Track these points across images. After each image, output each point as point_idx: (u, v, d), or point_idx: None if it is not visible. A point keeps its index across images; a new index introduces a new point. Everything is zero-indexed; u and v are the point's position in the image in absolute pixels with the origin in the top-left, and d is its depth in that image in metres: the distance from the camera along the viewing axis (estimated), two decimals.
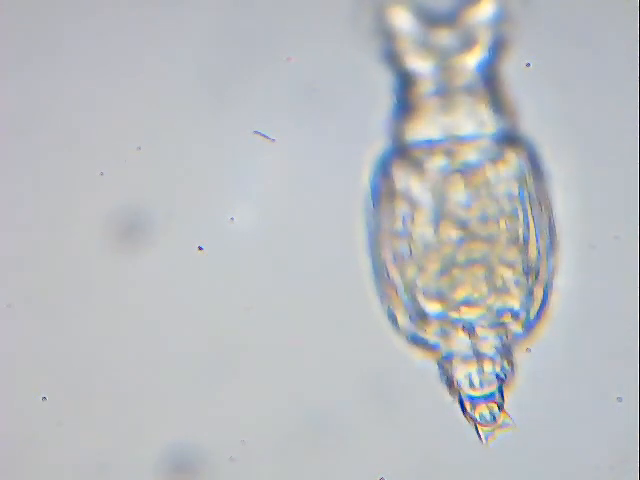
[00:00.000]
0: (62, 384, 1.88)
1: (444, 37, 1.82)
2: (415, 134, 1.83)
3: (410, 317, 1.84)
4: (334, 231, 1.87)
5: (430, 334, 1.84)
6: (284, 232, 1.88)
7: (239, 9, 1.89)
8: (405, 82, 1.84)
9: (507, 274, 1.81)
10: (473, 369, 1.83)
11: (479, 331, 1.82)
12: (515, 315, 1.82)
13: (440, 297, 1.82)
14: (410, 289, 1.83)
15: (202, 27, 1.89)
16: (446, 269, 1.82)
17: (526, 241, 1.82)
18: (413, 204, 1.83)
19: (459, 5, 1.83)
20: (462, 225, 1.81)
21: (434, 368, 1.85)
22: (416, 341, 1.85)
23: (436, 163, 1.82)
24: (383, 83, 1.86)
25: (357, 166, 1.86)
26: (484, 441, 1.85)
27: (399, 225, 1.83)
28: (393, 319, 1.85)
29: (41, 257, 1.89)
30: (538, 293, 1.83)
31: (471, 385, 1.83)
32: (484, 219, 1.81)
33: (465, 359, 1.83)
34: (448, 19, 1.82)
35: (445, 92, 1.82)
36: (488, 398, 1.83)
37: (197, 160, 1.89)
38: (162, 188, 1.89)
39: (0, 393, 1.88)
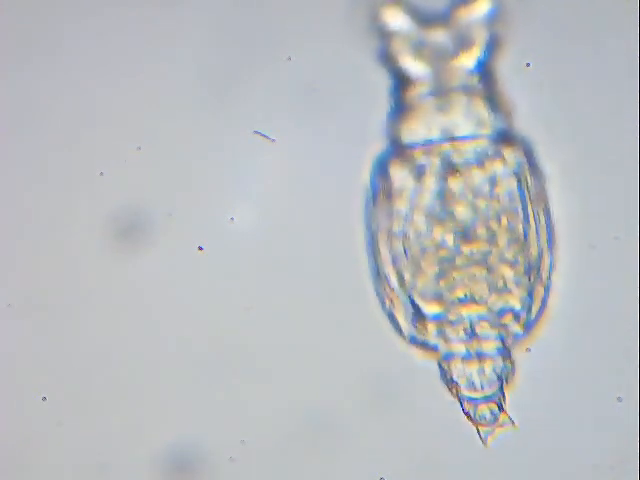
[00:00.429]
0: (62, 384, 1.88)
1: (439, 37, 1.82)
2: (412, 134, 1.83)
3: (409, 318, 1.84)
4: (334, 231, 1.87)
5: (430, 335, 1.84)
6: (284, 232, 1.88)
7: (239, 9, 1.89)
8: (401, 83, 1.84)
9: (508, 273, 1.81)
10: (473, 370, 1.83)
11: (479, 330, 1.82)
12: (516, 315, 1.82)
13: (439, 298, 1.82)
14: (408, 290, 1.83)
15: (202, 27, 1.89)
16: (445, 270, 1.82)
17: (526, 240, 1.82)
18: (411, 204, 1.83)
19: (454, 4, 1.83)
20: (461, 225, 1.81)
21: (434, 368, 1.85)
22: (416, 342, 1.85)
23: (434, 163, 1.82)
24: (383, 83, 1.86)
25: (357, 166, 1.86)
26: (484, 441, 1.85)
27: (397, 225, 1.83)
28: (393, 320, 1.85)
29: (41, 257, 1.89)
30: (538, 293, 1.83)
31: (472, 386, 1.83)
32: (483, 218, 1.81)
33: (465, 359, 1.83)
34: (443, 18, 1.82)
35: (441, 92, 1.82)
36: (489, 399, 1.83)
37: (197, 160, 1.89)
38: (162, 188, 1.89)
39: (0, 393, 1.88)
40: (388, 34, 1.83)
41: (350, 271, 1.86)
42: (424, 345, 1.85)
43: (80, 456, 1.88)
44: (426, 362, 1.85)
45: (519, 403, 1.84)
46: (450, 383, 1.84)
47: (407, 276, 1.83)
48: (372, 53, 1.85)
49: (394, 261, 1.84)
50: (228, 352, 1.87)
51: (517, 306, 1.82)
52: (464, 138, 1.81)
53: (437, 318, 1.83)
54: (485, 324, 1.82)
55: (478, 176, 1.82)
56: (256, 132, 1.88)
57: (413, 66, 1.83)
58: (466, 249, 1.81)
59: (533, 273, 1.82)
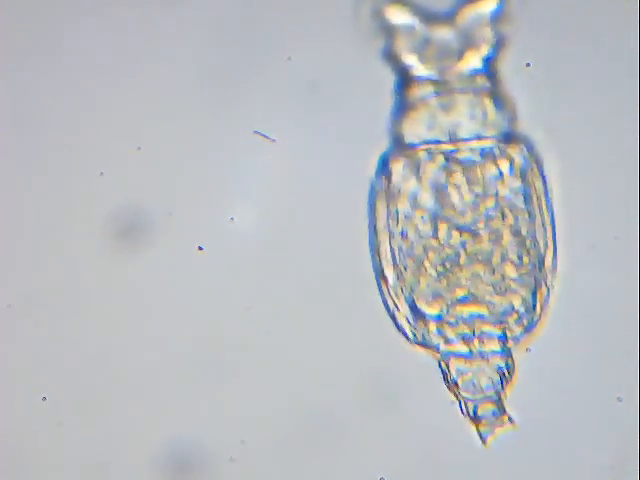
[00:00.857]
0: (62, 384, 1.88)
1: (445, 35, 1.82)
2: (416, 134, 1.83)
3: (410, 318, 1.84)
4: (334, 231, 1.87)
5: (431, 335, 1.84)
6: (284, 232, 1.88)
7: (239, 9, 1.89)
8: (406, 81, 1.84)
9: (511, 273, 1.81)
10: (474, 370, 1.83)
11: (480, 329, 1.82)
12: (520, 315, 1.82)
13: (439, 297, 1.82)
14: (410, 290, 1.83)
15: (202, 27, 1.89)
16: (447, 268, 1.82)
17: (530, 240, 1.82)
18: (414, 204, 1.83)
19: (459, 3, 1.83)
20: (464, 223, 1.81)
21: (434, 368, 1.85)
22: (418, 342, 1.85)
23: (437, 163, 1.82)
24: (383, 83, 1.86)
25: (357, 166, 1.86)
26: (484, 441, 1.85)
27: (399, 225, 1.83)
28: (393, 319, 1.85)
29: (41, 257, 1.89)
30: (542, 293, 1.83)
31: (472, 386, 1.83)
32: (487, 217, 1.81)
33: (465, 359, 1.83)
34: (448, 17, 1.82)
35: (446, 92, 1.82)
36: (489, 399, 1.83)
37: (197, 160, 1.89)
38: (162, 188, 1.89)
39: (0, 393, 1.88)
40: (393, 32, 1.83)
41: (350, 271, 1.86)
42: (425, 345, 1.85)
43: (80, 456, 1.88)
44: (426, 362, 1.85)
45: (519, 403, 1.84)
46: (450, 383, 1.84)
47: (408, 276, 1.83)
48: (373, 52, 1.85)
49: (395, 261, 1.84)
50: (228, 352, 1.87)
51: (519, 306, 1.82)
52: (468, 139, 1.81)
53: (438, 318, 1.83)
54: (486, 324, 1.82)
55: (482, 175, 1.82)
56: (256, 132, 1.88)
57: (417, 65, 1.83)
58: (469, 248, 1.81)
59: (537, 272, 1.82)
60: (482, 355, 1.83)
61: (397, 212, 1.83)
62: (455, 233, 1.81)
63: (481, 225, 1.81)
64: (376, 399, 1.87)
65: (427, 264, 1.82)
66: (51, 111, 1.90)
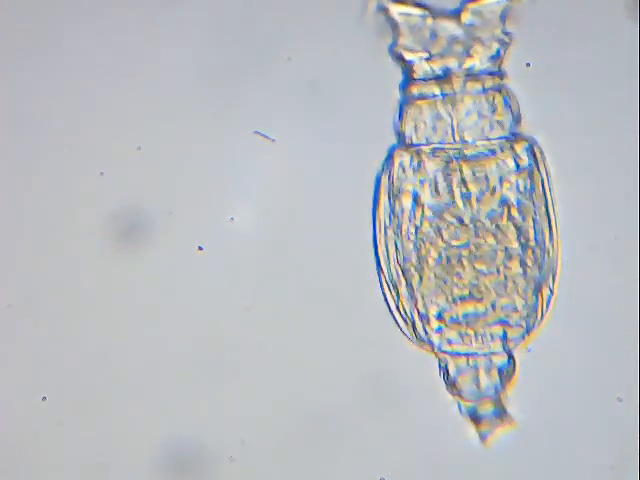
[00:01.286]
0: (62, 384, 1.88)
1: (451, 33, 1.82)
2: (421, 133, 1.83)
3: (411, 318, 1.84)
4: (334, 231, 1.87)
5: (432, 334, 1.84)
6: (284, 232, 1.88)
7: (239, 9, 1.89)
8: (412, 80, 1.84)
9: (516, 271, 1.81)
10: (474, 369, 1.83)
11: (481, 329, 1.82)
12: (522, 316, 1.82)
13: (442, 295, 1.82)
14: (413, 288, 1.83)
15: (202, 27, 1.89)
16: (450, 266, 1.82)
17: (533, 239, 1.82)
18: (418, 202, 1.83)
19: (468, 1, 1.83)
20: (469, 221, 1.81)
21: (435, 368, 1.85)
22: (420, 344, 1.85)
23: (441, 161, 1.82)
24: (383, 83, 1.86)
25: (357, 166, 1.86)
26: (484, 441, 1.85)
27: (402, 223, 1.83)
28: (394, 319, 1.85)
29: (41, 257, 1.89)
30: (543, 291, 1.83)
31: (472, 385, 1.83)
32: (491, 215, 1.81)
33: (466, 359, 1.83)
34: (455, 15, 1.82)
35: (453, 91, 1.82)
36: (489, 398, 1.83)
37: (197, 160, 1.89)
38: (162, 188, 1.89)
39: (0, 393, 1.88)
40: (400, 29, 1.83)
41: (350, 271, 1.86)
42: (425, 344, 1.85)
43: (80, 456, 1.88)
44: (427, 362, 1.85)
45: (519, 403, 1.84)
46: (451, 383, 1.84)
47: (411, 274, 1.83)
48: (373, 52, 1.86)
49: (398, 259, 1.84)
50: (228, 352, 1.87)
51: (522, 305, 1.82)
52: (474, 138, 1.81)
53: (439, 316, 1.83)
54: (487, 322, 1.82)
55: (486, 174, 1.82)
56: (256, 132, 1.88)
57: (424, 63, 1.82)
58: (473, 244, 1.81)
59: (541, 272, 1.82)
60: (483, 354, 1.83)
61: (401, 210, 1.83)
62: (458, 231, 1.81)
63: (485, 223, 1.81)
64: (376, 399, 1.87)
65: (430, 262, 1.82)
66: (51, 111, 1.90)
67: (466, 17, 1.82)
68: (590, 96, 1.86)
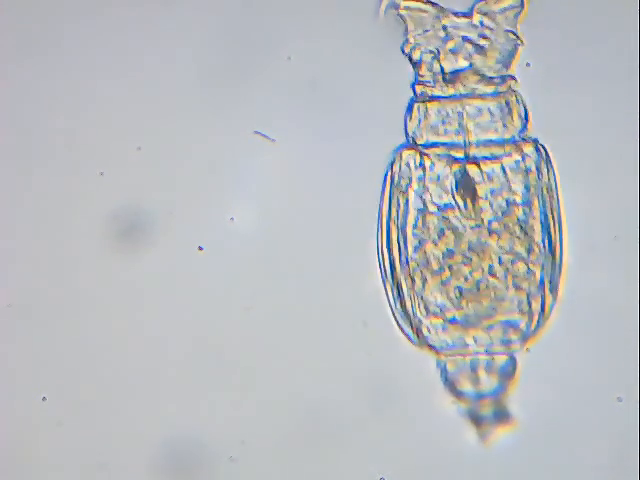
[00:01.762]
0: (62, 384, 1.88)
1: (463, 34, 1.82)
2: (430, 132, 1.83)
3: (413, 318, 1.84)
4: (334, 231, 1.87)
5: (433, 335, 1.84)
6: (284, 232, 1.88)
7: (239, 9, 1.89)
8: (422, 79, 1.84)
9: (521, 268, 1.82)
10: (474, 368, 1.83)
11: (482, 328, 1.82)
12: (524, 311, 1.82)
13: (446, 292, 1.82)
14: (415, 287, 1.83)
15: (202, 27, 1.89)
16: (455, 264, 1.82)
17: (539, 241, 1.82)
18: (424, 202, 1.83)
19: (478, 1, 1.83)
20: (476, 219, 1.81)
21: (434, 368, 1.85)
22: (420, 343, 1.85)
23: (448, 161, 1.82)
24: (383, 83, 1.86)
25: (357, 166, 1.86)
26: (484, 441, 1.85)
27: (407, 222, 1.83)
28: (395, 319, 1.85)
29: (41, 257, 1.89)
30: (547, 296, 1.83)
31: (473, 385, 1.83)
32: (497, 214, 1.81)
33: (466, 358, 1.83)
34: (468, 16, 1.82)
35: (460, 93, 1.81)
36: (489, 397, 1.84)
37: (197, 160, 1.89)
38: (162, 188, 1.89)
39: (0, 393, 1.88)
40: (411, 27, 1.83)
41: (350, 270, 1.86)
42: (425, 345, 1.85)
43: (80, 456, 1.88)
44: (427, 361, 1.85)
45: (519, 403, 1.84)
46: (451, 382, 1.84)
47: (414, 272, 1.83)
48: (374, 52, 1.86)
49: (401, 258, 1.84)
50: (228, 352, 1.87)
51: (524, 306, 1.82)
52: (482, 139, 1.81)
53: (440, 315, 1.83)
54: (489, 323, 1.82)
55: (495, 175, 1.82)
56: (256, 132, 1.88)
57: (435, 63, 1.82)
58: (478, 242, 1.81)
59: (544, 265, 1.83)
60: (484, 353, 1.83)
61: (407, 209, 1.83)
62: (465, 228, 1.81)
63: (493, 220, 1.81)
64: (376, 399, 1.87)
65: (434, 259, 1.82)
66: (51, 111, 1.90)
67: (477, 18, 1.81)
68: (590, 96, 1.86)
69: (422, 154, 1.83)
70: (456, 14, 1.82)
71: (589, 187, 1.86)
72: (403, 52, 1.84)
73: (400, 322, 1.85)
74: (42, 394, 1.88)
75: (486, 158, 1.82)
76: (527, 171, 1.82)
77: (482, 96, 1.82)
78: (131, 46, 1.89)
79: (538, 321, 1.83)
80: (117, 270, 1.89)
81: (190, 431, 1.87)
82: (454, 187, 1.80)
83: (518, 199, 1.82)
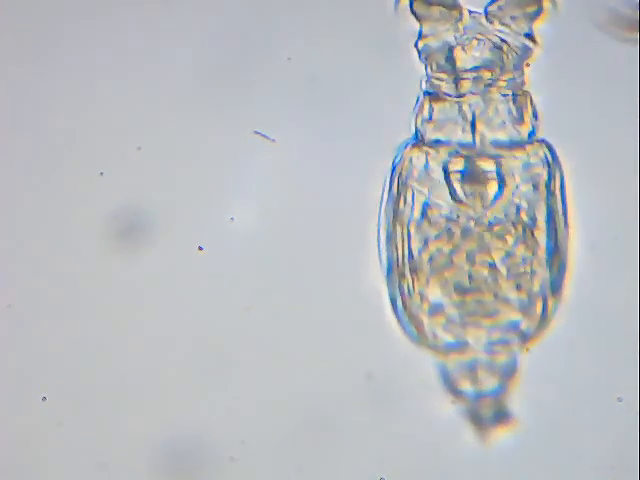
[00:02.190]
0: (62, 384, 1.88)
1: (475, 33, 1.81)
2: (439, 132, 1.83)
3: (414, 317, 1.84)
4: (334, 231, 1.87)
5: (433, 334, 1.84)
6: (284, 232, 1.88)
7: (239, 9, 1.89)
8: (434, 79, 1.84)
9: (523, 268, 1.82)
10: (474, 368, 1.83)
11: (482, 328, 1.82)
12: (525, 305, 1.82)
13: (447, 290, 1.82)
14: (417, 288, 1.84)
15: (202, 27, 1.89)
16: (458, 262, 1.82)
17: (544, 243, 1.83)
18: (429, 199, 1.83)
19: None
20: (480, 219, 1.81)
21: (434, 368, 1.85)
22: (421, 343, 1.85)
23: (458, 160, 1.82)
24: (383, 83, 1.86)
25: (357, 166, 1.86)
26: (484, 441, 1.85)
27: (411, 219, 1.83)
28: (397, 319, 1.85)
29: (41, 257, 1.89)
30: (549, 298, 1.84)
31: (473, 384, 1.83)
32: (501, 218, 1.81)
33: (466, 357, 1.83)
34: (480, 16, 1.82)
35: (471, 92, 1.81)
36: (489, 396, 1.84)
37: (197, 160, 1.89)
38: (162, 188, 1.89)
39: (0, 393, 1.88)
40: (426, 24, 1.82)
41: (350, 270, 1.86)
42: (426, 344, 1.85)
43: (80, 456, 1.88)
44: (427, 361, 1.85)
45: (520, 403, 1.84)
46: (451, 382, 1.84)
47: (416, 271, 1.84)
48: (374, 52, 1.86)
49: (403, 257, 1.84)
50: (228, 352, 1.87)
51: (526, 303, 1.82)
52: (494, 139, 1.81)
53: (441, 313, 1.83)
54: (491, 323, 1.82)
55: (502, 175, 1.82)
56: (256, 132, 1.88)
57: (448, 64, 1.82)
58: (485, 241, 1.81)
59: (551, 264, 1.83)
60: (485, 352, 1.83)
61: (412, 206, 1.83)
62: (471, 227, 1.81)
63: (500, 221, 1.81)
64: (376, 399, 1.87)
65: (437, 257, 1.82)
66: (51, 111, 1.90)
67: (492, 17, 1.81)
68: (590, 96, 1.86)
69: (428, 152, 1.83)
70: (471, 13, 1.82)
71: (589, 187, 1.86)
72: (417, 48, 1.83)
73: (400, 321, 1.85)
74: (42, 394, 1.88)
75: (494, 157, 1.81)
76: (533, 170, 1.82)
77: (493, 96, 1.81)
78: (131, 46, 1.89)
79: (539, 321, 1.83)
80: (117, 270, 1.89)
81: (190, 431, 1.87)
82: (462, 178, 1.80)
83: (524, 199, 1.82)
